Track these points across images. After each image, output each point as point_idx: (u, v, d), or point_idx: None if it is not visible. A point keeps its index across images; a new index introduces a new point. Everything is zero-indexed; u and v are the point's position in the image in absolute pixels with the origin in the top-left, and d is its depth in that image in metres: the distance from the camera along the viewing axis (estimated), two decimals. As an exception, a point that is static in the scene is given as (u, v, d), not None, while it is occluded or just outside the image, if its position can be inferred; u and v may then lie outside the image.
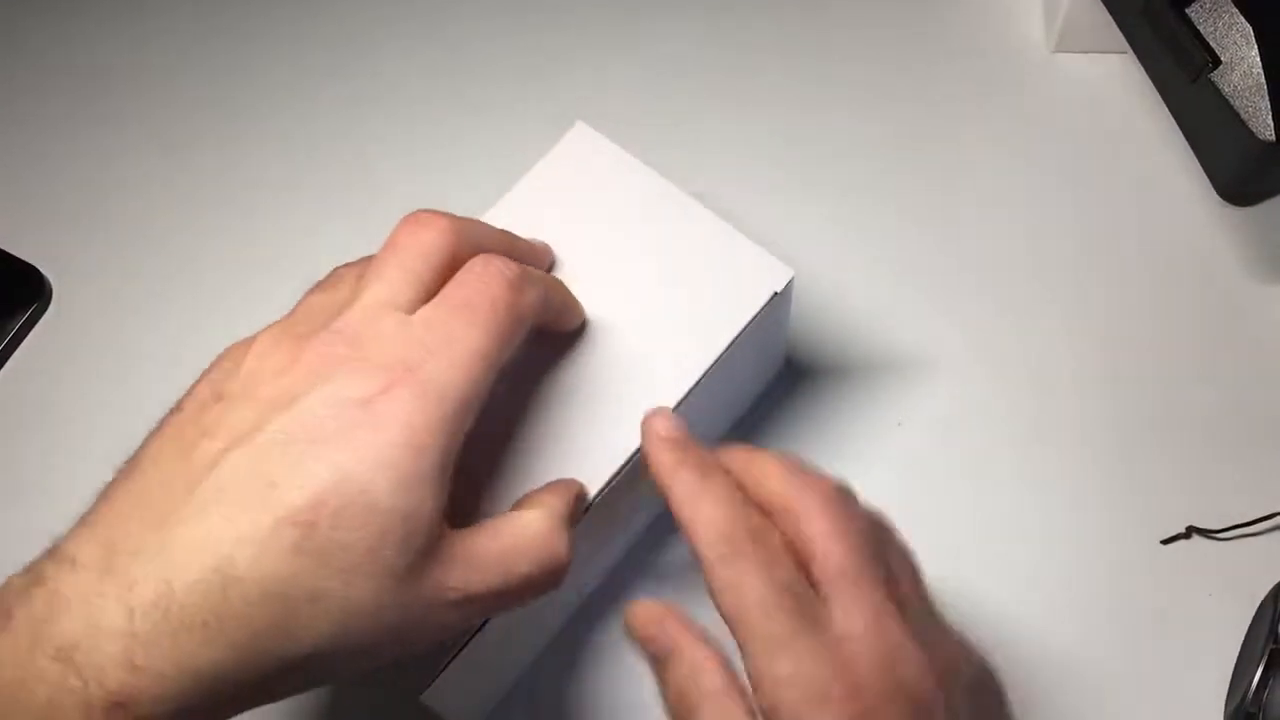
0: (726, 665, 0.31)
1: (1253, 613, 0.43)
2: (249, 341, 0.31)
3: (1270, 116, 0.43)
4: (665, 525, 0.44)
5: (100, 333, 0.52)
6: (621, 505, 0.39)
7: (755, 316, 0.38)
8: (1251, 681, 0.40)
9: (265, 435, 0.28)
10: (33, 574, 0.27)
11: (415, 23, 0.59)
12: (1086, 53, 0.57)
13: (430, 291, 0.31)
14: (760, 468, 0.33)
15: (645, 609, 0.33)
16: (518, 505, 0.33)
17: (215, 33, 0.60)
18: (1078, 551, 0.46)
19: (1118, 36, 0.50)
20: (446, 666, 0.35)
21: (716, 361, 0.38)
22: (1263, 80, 0.43)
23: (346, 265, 0.35)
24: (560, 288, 0.37)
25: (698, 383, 0.38)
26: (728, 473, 0.33)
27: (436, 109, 0.57)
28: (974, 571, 0.44)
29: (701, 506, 0.31)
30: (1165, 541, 0.46)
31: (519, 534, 0.31)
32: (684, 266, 0.39)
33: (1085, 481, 0.47)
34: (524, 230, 0.38)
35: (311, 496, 0.27)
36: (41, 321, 0.53)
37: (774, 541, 0.31)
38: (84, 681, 0.25)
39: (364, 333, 0.30)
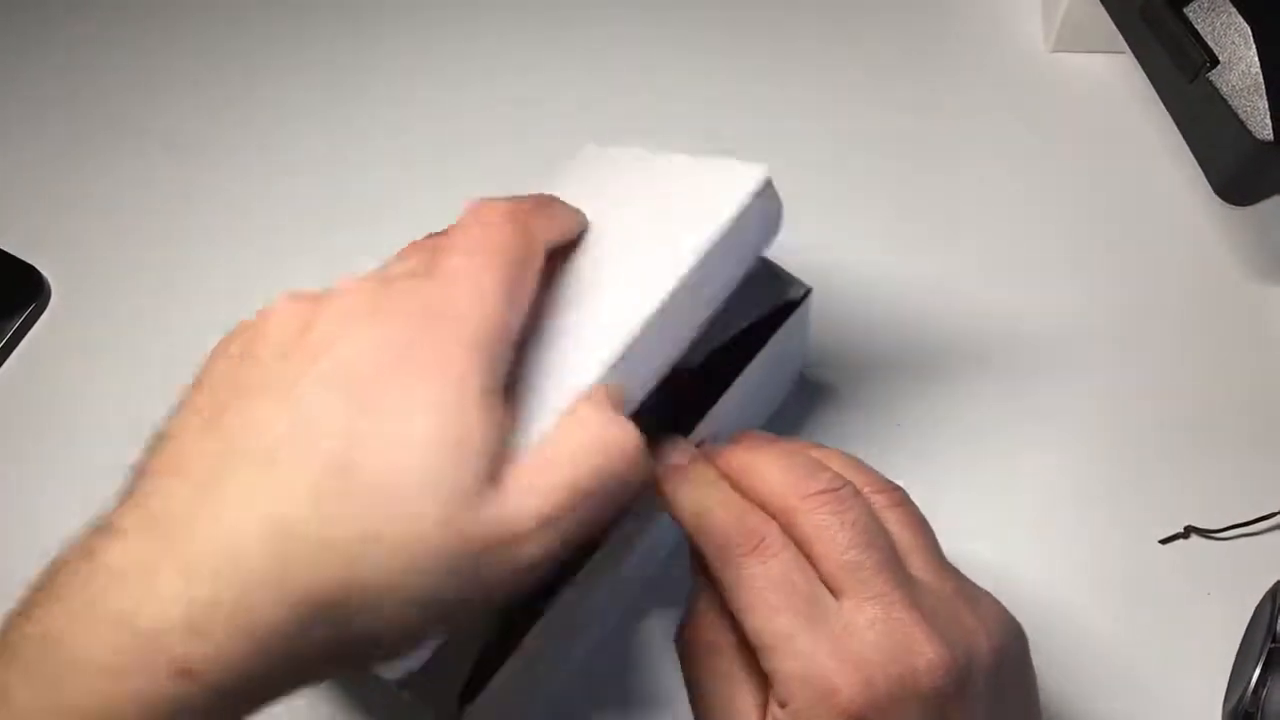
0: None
1: (1251, 612, 0.43)
2: (265, 310, 0.30)
3: (1268, 116, 0.43)
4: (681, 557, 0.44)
5: (100, 333, 0.52)
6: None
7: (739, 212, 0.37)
8: (1250, 680, 0.40)
9: (301, 387, 0.27)
10: (81, 549, 0.26)
11: (425, 19, 0.60)
12: (1086, 53, 0.57)
13: None
14: (756, 468, 0.33)
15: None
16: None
17: (217, 33, 0.60)
18: (1077, 551, 0.46)
19: (1117, 36, 0.50)
20: (489, 680, 0.35)
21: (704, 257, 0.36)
22: (1261, 80, 0.44)
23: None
24: (559, 204, 0.35)
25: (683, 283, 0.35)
26: (726, 475, 0.33)
27: (449, 113, 0.57)
28: (974, 571, 0.44)
29: (702, 512, 0.32)
30: (1164, 541, 0.46)
31: (576, 429, 0.29)
32: (665, 190, 0.38)
33: (1084, 481, 0.47)
34: None
35: (352, 440, 0.26)
36: (41, 321, 0.53)
37: (775, 538, 0.31)
38: (147, 650, 0.24)
39: (381, 290, 0.29)
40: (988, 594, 0.33)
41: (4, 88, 0.59)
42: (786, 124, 0.56)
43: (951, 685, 0.29)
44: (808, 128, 0.56)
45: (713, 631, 0.32)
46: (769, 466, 0.33)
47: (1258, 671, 0.40)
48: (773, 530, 0.31)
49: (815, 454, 0.34)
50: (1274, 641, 0.41)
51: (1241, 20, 0.44)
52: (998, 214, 0.53)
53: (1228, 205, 0.49)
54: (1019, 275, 0.51)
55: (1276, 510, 0.45)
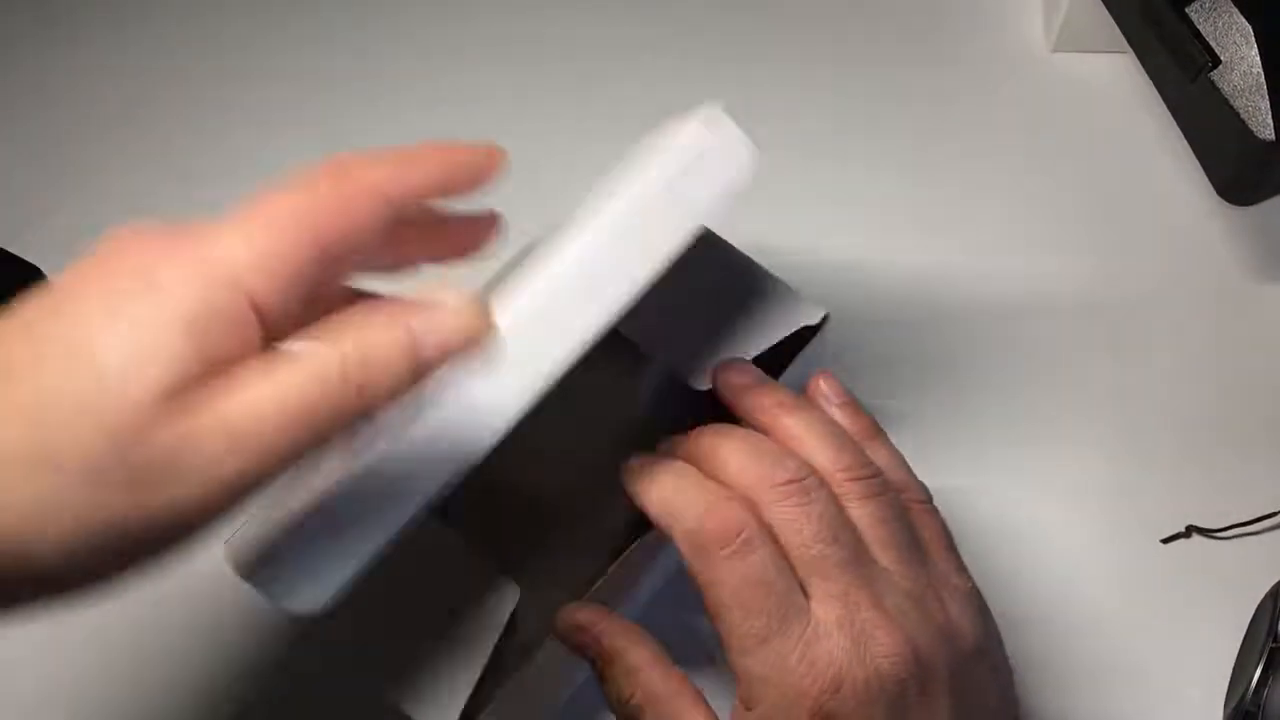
0: (667, 665, 0.31)
1: (1252, 612, 0.43)
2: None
3: (1270, 116, 0.43)
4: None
5: (100, 332, 0.52)
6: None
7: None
8: (1251, 680, 0.40)
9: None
10: None
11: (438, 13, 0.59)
12: (1086, 53, 0.57)
13: None
14: (720, 455, 0.32)
15: (580, 612, 0.33)
16: None
17: (218, 34, 0.60)
18: (1078, 550, 0.46)
19: (1118, 36, 0.50)
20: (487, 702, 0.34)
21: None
22: (1262, 80, 0.44)
23: None
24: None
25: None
26: (692, 460, 0.33)
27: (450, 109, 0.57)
28: (974, 571, 0.44)
29: (675, 506, 0.31)
30: (1165, 541, 0.46)
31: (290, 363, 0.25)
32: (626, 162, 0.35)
33: (1085, 481, 0.47)
34: None
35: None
36: (42, 321, 0.53)
37: (755, 533, 0.30)
38: None
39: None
40: (968, 591, 0.33)
41: (4, 87, 0.59)
42: (785, 124, 0.56)
43: (914, 684, 0.29)
44: (807, 127, 0.56)
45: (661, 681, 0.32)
46: (733, 454, 0.32)
47: (1259, 671, 0.40)
48: (751, 523, 0.30)
49: (787, 421, 0.33)
50: (1275, 641, 0.41)
51: (1243, 20, 0.44)
52: (997, 213, 0.53)
53: (1229, 205, 0.49)
54: (1019, 275, 0.51)
55: (1277, 510, 0.45)
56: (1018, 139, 0.55)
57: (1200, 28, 0.45)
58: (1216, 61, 0.44)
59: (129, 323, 0.24)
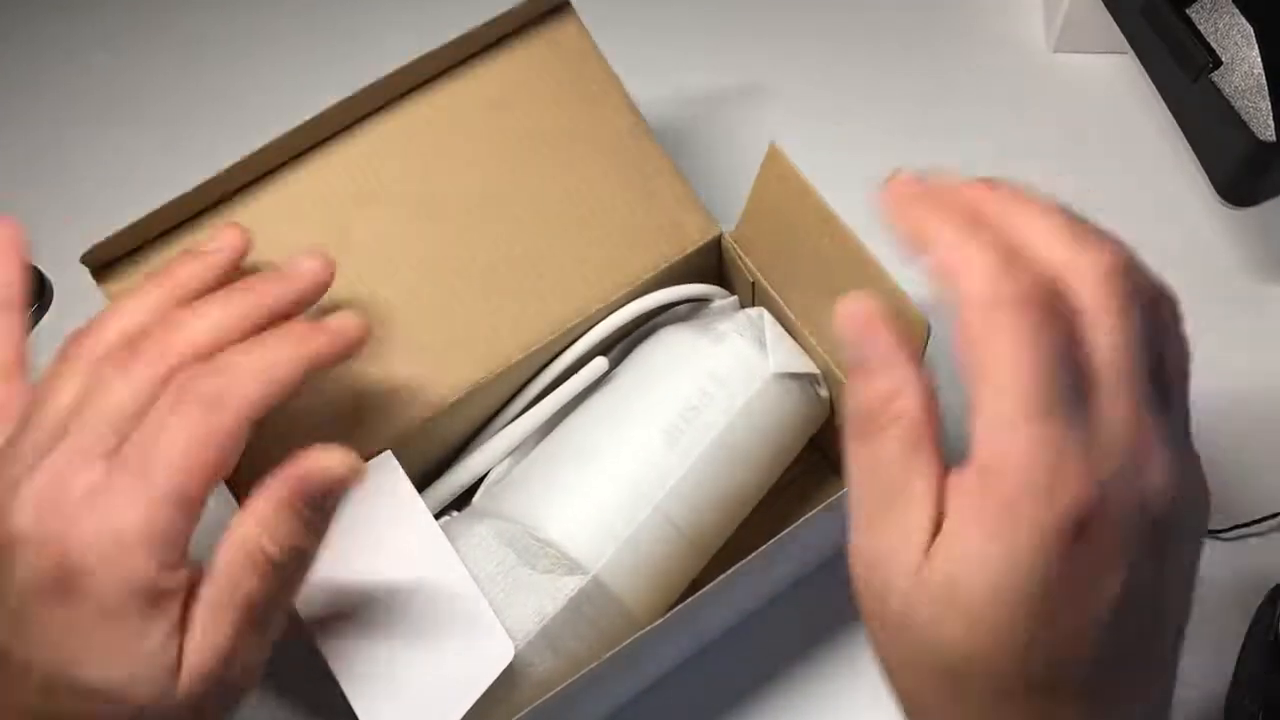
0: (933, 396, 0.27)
1: (1253, 612, 0.43)
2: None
3: (1270, 117, 0.43)
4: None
5: (100, 332, 0.52)
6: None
7: None
8: (1251, 680, 0.40)
9: None
10: None
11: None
12: (1086, 53, 0.57)
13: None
14: (1030, 223, 0.27)
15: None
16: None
17: (218, 33, 0.60)
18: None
19: (1118, 36, 0.50)
20: None
21: None
22: (1263, 80, 0.44)
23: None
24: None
25: None
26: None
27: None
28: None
29: (969, 248, 0.26)
30: (1165, 541, 0.46)
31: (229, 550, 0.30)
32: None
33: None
34: None
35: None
36: (41, 322, 0.53)
37: (1049, 304, 0.25)
38: None
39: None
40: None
41: (3, 88, 0.59)
42: (784, 123, 0.56)
43: (1173, 522, 0.25)
44: (806, 127, 0.56)
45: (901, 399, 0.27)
46: (1042, 225, 0.27)
47: (1259, 671, 0.40)
48: (1047, 293, 0.26)
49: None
50: (1276, 641, 0.41)
51: (1244, 20, 0.44)
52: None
53: (1229, 206, 0.49)
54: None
55: (1276, 510, 0.45)
56: (1017, 138, 0.55)
57: (1201, 28, 0.45)
58: (1217, 62, 0.44)
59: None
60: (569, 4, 0.43)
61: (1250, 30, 0.44)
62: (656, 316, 0.43)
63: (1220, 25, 0.45)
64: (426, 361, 0.40)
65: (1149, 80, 0.49)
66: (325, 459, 0.30)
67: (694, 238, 0.42)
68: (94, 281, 0.56)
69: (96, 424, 0.29)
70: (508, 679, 0.35)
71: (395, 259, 0.40)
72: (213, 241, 0.35)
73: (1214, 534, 0.45)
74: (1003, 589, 0.24)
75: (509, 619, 0.35)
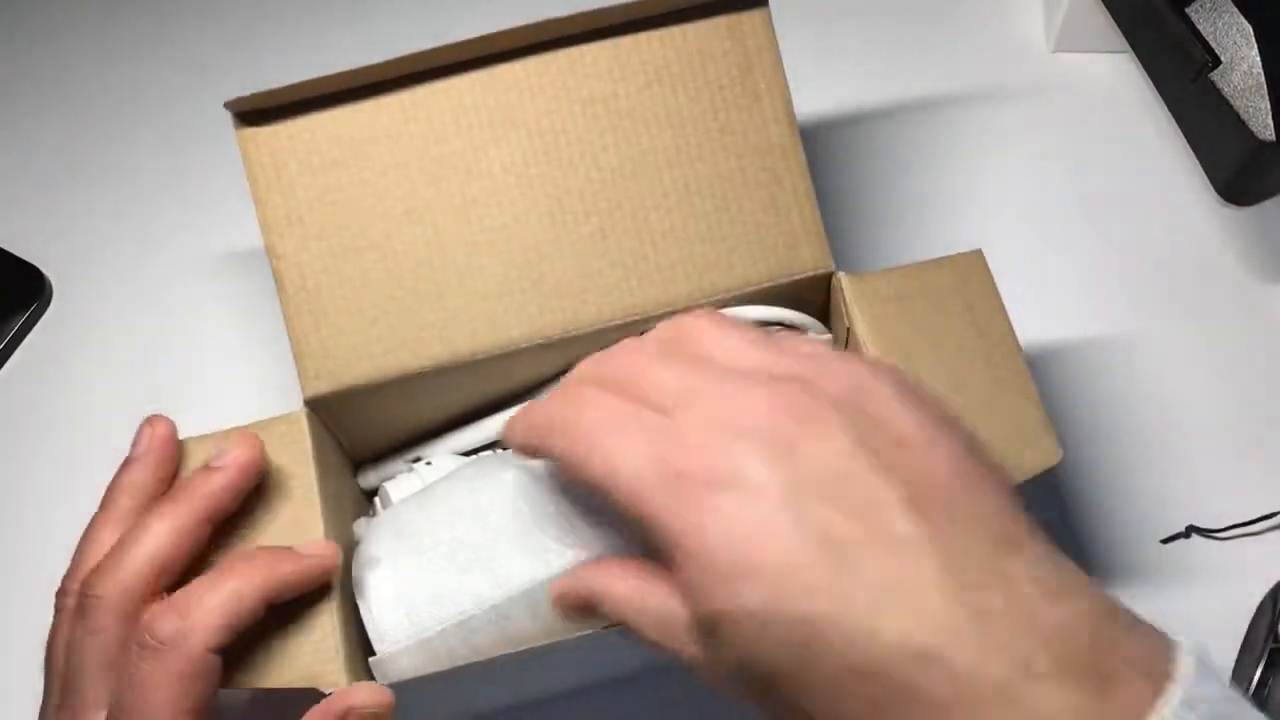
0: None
1: (1252, 612, 0.43)
2: None
3: (1270, 116, 0.43)
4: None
5: (100, 333, 0.52)
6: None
7: None
8: (1251, 680, 0.40)
9: None
10: None
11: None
12: (1086, 53, 0.57)
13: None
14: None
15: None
16: None
17: (218, 33, 0.60)
18: (1078, 551, 0.46)
19: (1118, 36, 0.50)
20: None
21: None
22: (1262, 80, 0.44)
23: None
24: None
25: None
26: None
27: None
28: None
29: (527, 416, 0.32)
30: (1165, 541, 0.46)
31: None
32: None
33: (1086, 481, 0.47)
34: None
35: None
36: (41, 321, 0.53)
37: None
38: None
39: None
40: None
41: (4, 88, 0.59)
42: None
43: (790, 419, 0.27)
44: (806, 126, 0.56)
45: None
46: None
47: (1259, 671, 0.40)
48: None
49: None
50: (1275, 641, 0.41)
51: (1243, 20, 0.44)
52: (997, 212, 0.53)
53: (1229, 206, 0.49)
54: (1017, 274, 0.51)
55: (1276, 510, 0.45)
56: (1016, 138, 0.55)
57: (1200, 28, 0.45)
58: (1216, 61, 0.44)
59: None
60: None
61: (1250, 29, 0.44)
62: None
63: (1219, 25, 0.45)
64: (509, 300, 0.40)
65: (1149, 80, 0.49)
66: (362, 694, 0.32)
67: (805, 266, 0.41)
68: (96, 283, 0.56)
69: (79, 684, 0.33)
70: (484, 621, 0.35)
71: (513, 193, 0.40)
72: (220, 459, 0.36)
73: (1213, 534, 0.45)
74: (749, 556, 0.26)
75: (506, 568, 0.36)
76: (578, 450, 0.29)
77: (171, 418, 0.37)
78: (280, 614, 0.34)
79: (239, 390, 0.50)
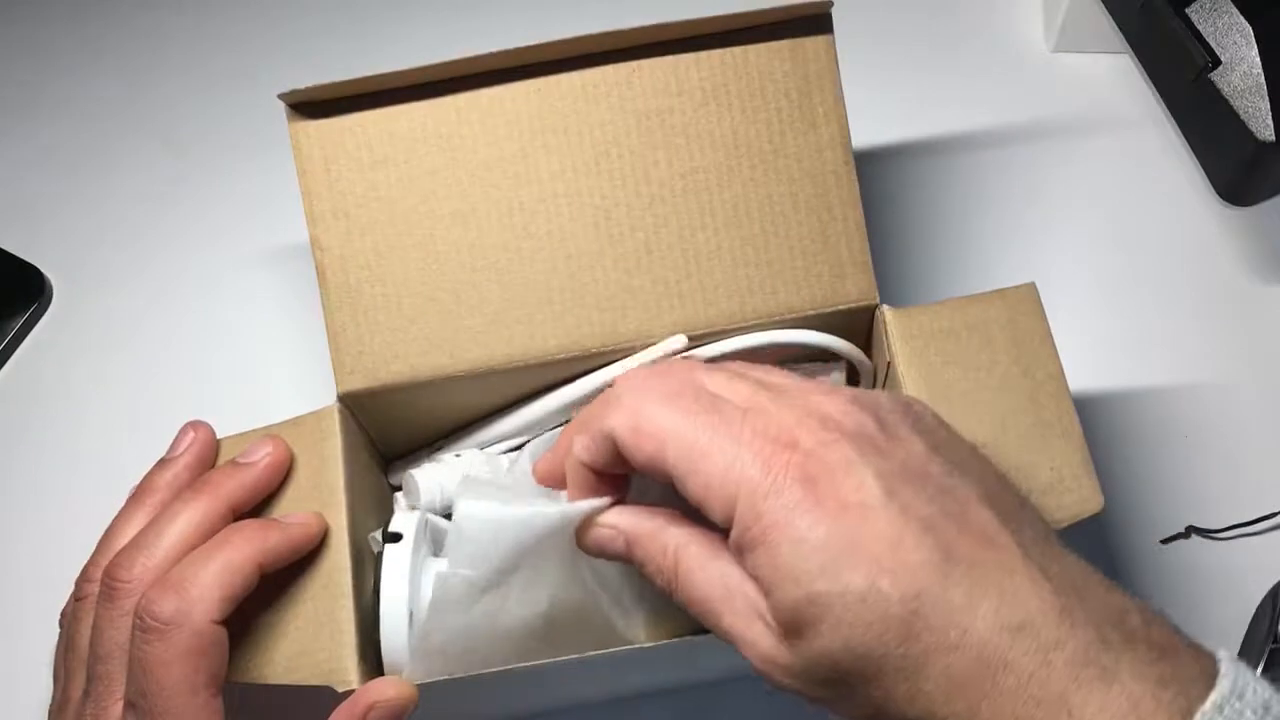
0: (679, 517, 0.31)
1: (1252, 612, 0.43)
2: None
3: (1270, 116, 0.43)
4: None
5: (100, 333, 0.52)
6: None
7: None
8: (1251, 681, 0.40)
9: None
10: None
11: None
12: (1086, 53, 0.57)
13: None
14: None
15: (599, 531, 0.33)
16: None
17: (218, 33, 0.60)
18: (1078, 551, 0.45)
19: (1118, 36, 0.50)
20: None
21: None
22: (1262, 80, 0.44)
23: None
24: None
25: None
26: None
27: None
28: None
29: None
30: (1165, 541, 0.46)
31: None
32: None
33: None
34: None
35: None
36: (41, 321, 0.53)
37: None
38: None
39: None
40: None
41: (4, 88, 0.59)
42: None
43: (870, 421, 0.29)
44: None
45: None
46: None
47: (1259, 671, 0.40)
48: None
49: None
50: (1274, 642, 0.41)
51: (1243, 20, 0.44)
52: (996, 212, 0.53)
53: (1229, 206, 0.49)
54: (1016, 274, 0.51)
55: (1276, 510, 0.45)
56: (1016, 138, 0.55)
57: (1200, 28, 0.45)
58: (1216, 62, 0.44)
59: None
60: (829, 19, 0.41)
61: (1249, 30, 0.44)
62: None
63: (1219, 25, 0.45)
64: (549, 309, 0.40)
65: (1149, 80, 0.49)
66: (385, 688, 0.33)
67: (850, 297, 0.40)
68: (96, 283, 0.56)
69: (106, 670, 0.33)
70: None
71: (560, 201, 0.40)
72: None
73: (1213, 534, 0.45)
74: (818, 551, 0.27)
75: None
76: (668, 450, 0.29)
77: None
78: (296, 612, 0.34)
79: (239, 390, 0.50)
